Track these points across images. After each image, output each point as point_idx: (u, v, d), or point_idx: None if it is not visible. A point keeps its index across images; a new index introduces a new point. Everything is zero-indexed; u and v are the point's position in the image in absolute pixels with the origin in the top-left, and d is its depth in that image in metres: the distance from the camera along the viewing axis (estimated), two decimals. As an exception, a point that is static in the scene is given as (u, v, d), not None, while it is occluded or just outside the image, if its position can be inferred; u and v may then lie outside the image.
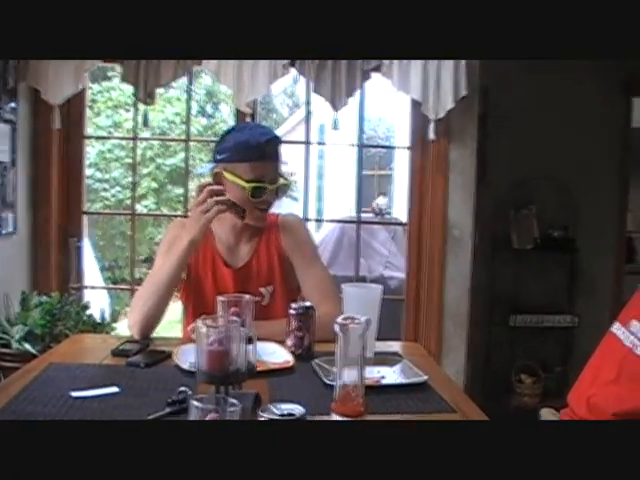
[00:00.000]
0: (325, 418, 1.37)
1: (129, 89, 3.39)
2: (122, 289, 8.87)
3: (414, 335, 3.61)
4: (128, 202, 10.70)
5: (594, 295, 4.59)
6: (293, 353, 1.98)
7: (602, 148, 4.59)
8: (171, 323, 2.38)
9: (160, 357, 1.93)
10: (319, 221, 9.96)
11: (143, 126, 3.64)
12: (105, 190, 11.74)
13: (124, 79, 3.35)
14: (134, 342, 2.08)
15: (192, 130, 10.89)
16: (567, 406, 2.08)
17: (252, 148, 2.23)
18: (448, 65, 3.32)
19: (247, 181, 2.23)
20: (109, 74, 10.16)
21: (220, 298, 1.67)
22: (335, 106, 3.37)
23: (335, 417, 1.32)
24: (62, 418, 1.43)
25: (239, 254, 2.40)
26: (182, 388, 1.52)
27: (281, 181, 2.33)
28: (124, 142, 11.30)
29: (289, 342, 2.03)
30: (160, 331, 2.22)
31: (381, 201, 8.79)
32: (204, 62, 3.36)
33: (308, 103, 3.78)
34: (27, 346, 2.97)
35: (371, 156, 13.94)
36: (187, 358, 1.81)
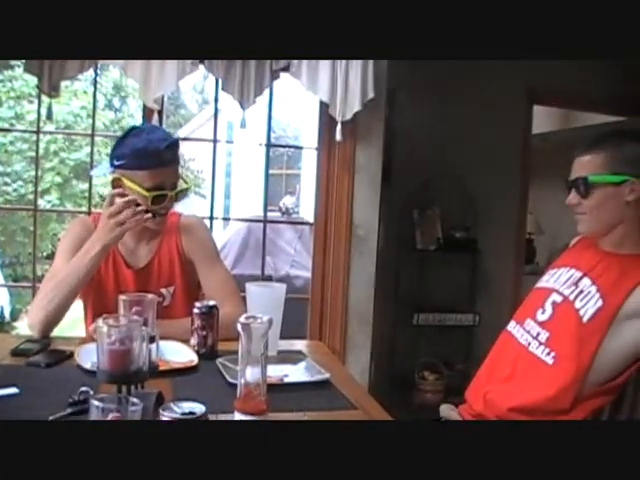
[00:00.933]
0: (228, 416, 1.38)
1: (33, 79, 3.29)
2: (23, 287, 8.64)
3: (319, 334, 3.63)
4: (30, 197, 10.44)
5: (494, 295, 4.73)
6: (197, 352, 1.98)
7: (504, 151, 4.73)
8: (74, 322, 2.34)
9: (61, 357, 1.90)
10: (226, 219, 9.91)
11: (47, 119, 3.54)
12: (6, 184, 11.41)
13: (27, 69, 3.26)
14: (34, 341, 2.04)
15: (98, 124, 10.70)
16: (465, 402, 2.14)
17: (150, 155, 2.18)
18: (356, 67, 3.36)
19: (147, 189, 2.19)
20: (12, 63, 9.87)
21: (122, 297, 1.66)
22: (243, 105, 3.37)
23: (238, 415, 1.33)
24: (-43, 419, 1.40)
25: (140, 255, 2.39)
26: (83, 388, 1.51)
27: (182, 185, 2.31)
28: (27, 135, 11.01)
29: (193, 341, 2.03)
30: (63, 330, 2.18)
31: (288, 200, 8.83)
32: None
33: (216, 101, 3.76)
34: None
35: (279, 155, 13.98)
36: (89, 358, 1.78)
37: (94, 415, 1.08)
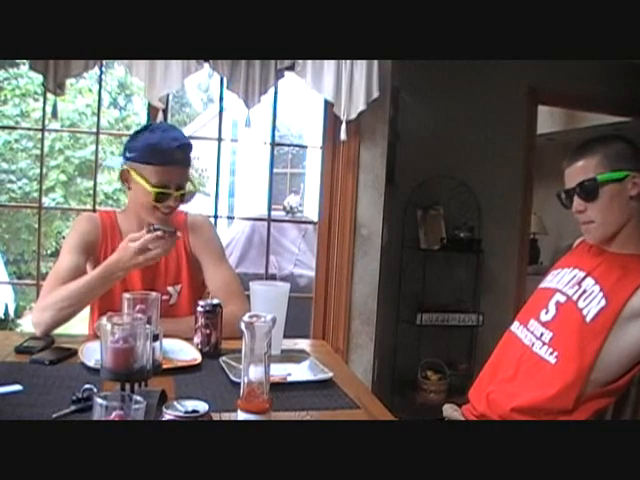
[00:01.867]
0: (231, 415, 1.38)
1: (38, 77, 3.30)
2: (27, 284, 8.65)
3: (322, 333, 3.64)
4: (35, 194, 10.45)
5: (498, 295, 4.73)
6: (200, 350, 1.99)
7: (508, 152, 4.73)
8: (79, 319, 2.35)
9: (65, 354, 1.90)
10: (230, 218, 9.91)
11: (52, 117, 3.55)
12: (11, 182, 11.43)
13: (33, 68, 3.27)
14: (38, 339, 2.04)
15: (103, 122, 10.71)
16: (468, 402, 2.14)
17: (161, 152, 2.20)
18: (361, 67, 3.36)
19: (152, 185, 2.21)
20: (17, 61, 9.87)
21: (126, 295, 1.66)
22: (248, 104, 3.37)
23: (241, 414, 1.33)
24: (-39, 416, 1.40)
25: None
26: (87, 386, 1.51)
27: (189, 187, 2.32)
28: (32, 132, 11.02)
29: (196, 339, 2.03)
30: (67, 327, 2.18)
31: (292, 199, 8.82)
32: (116, 55, 3.31)
33: (221, 99, 3.76)
34: None
35: (284, 154, 13.98)
36: (92, 355, 1.79)
37: (97, 413, 1.09)
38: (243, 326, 1.30)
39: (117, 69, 13.98)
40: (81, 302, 2.13)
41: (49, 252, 11.10)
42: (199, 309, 2.03)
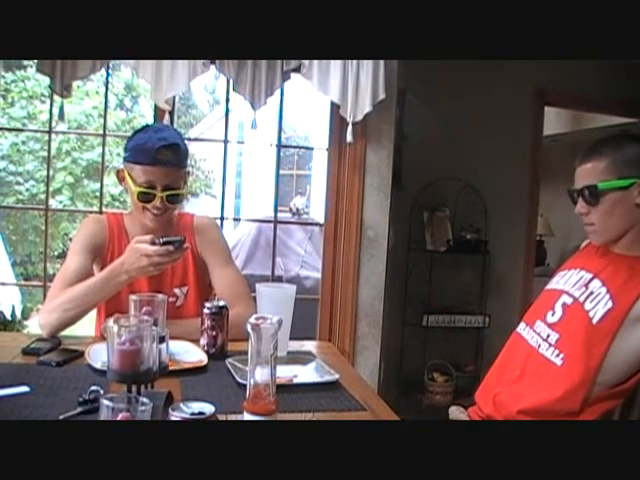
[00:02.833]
0: (237, 417, 1.38)
1: (45, 79, 3.31)
2: (34, 286, 8.68)
3: (329, 334, 3.64)
4: (42, 196, 10.48)
5: (504, 296, 4.73)
6: (206, 352, 1.99)
7: (515, 153, 4.73)
8: (85, 321, 2.35)
9: (72, 356, 1.91)
10: (236, 220, 9.92)
11: (59, 119, 3.56)
12: (18, 184, 11.46)
13: (40, 70, 3.28)
14: (45, 340, 2.05)
15: (110, 124, 10.73)
16: (475, 404, 2.14)
17: (147, 151, 2.20)
18: (367, 68, 3.36)
19: (138, 184, 2.22)
20: (24, 63, 9.90)
21: (132, 297, 1.66)
22: (254, 106, 3.37)
23: (247, 416, 1.33)
24: (-31, 418, 1.41)
25: None
26: (94, 387, 1.51)
27: (175, 190, 2.28)
28: (39, 134, 11.05)
29: (202, 341, 2.04)
30: (74, 328, 2.19)
31: (298, 201, 8.83)
32: (122, 57, 3.31)
33: (227, 101, 3.77)
34: None
35: (290, 155, 13.98)
36: (99, 357, 1.79)
37: (104, 414, 1.09)
38: (249, 328, 1.30)
39: (124, 71, 14.03)
40: (86, 304, 2.13)
41: (56, 254, 11.12)
42: (205, 311, 2.04)
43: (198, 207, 13.91)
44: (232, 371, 1.80)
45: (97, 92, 12.08)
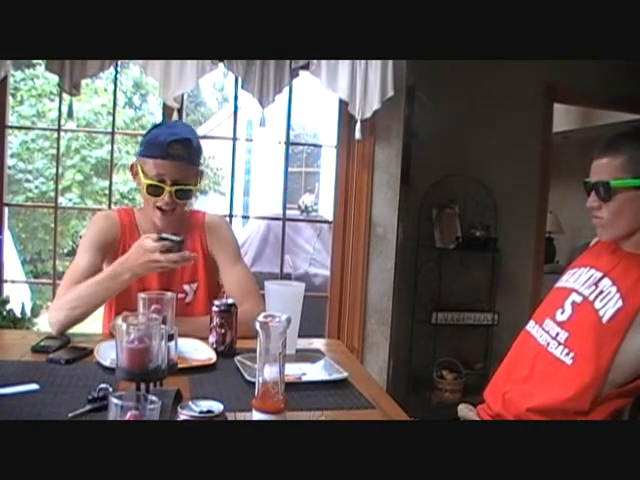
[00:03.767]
0: (246, 415, 1.38)
1: (54, 78, 3.32)
2: (44, 283, 8.70)
3: (337, 332, 3.64)
4: (52, 194, 10.51)
5: (514, 294, 4.72)
6: (215, 350, 1.99)
7: (524, 150, 4.71)
8: (94, 318, 2.36)
9: (81, 354, 1.91)
10: (245, 217, 9.93)
11: (67, 117, 3.57)
12: (28, 181, 11.49)
13: (49, 68, 3.28)
14: (55, 338, 2.05)
15: (119, 122, 10.75)
16: (484, 402, 2.13)
17: (157, 145, 2.22)
18: (375, 66, 3.36)
19: (148, 178, 2.24)
20: (33, 62, 9.92)
21: (141, 295, 1.67)
22: (262, 103, 3.38)
23: (256, 414, 1.33)
24: (-22, 415, 1.41)
25: None
26: (103, 385, 1.51)
27: (185, 186, 2.28)
28: (48, 132, 11.08)
29: (211, 339, 2.04)
30: (83, 326, 2.20)
31: (307, 198, 8.83)
32: (131, 55, 3.32)
33: (236, 99, 3.77)
34: (-57, 341, 2.89)
35: (299, 153, 13.98)
36: (108, 355, 1.80)
37: (113, 412, 1.09)
38: (258, 326, 1.29)
39: (132, 69, 14.05)
40: (93, 302, 2.14)
41: (65, 251, 11.14)
42: (214, 309, 2.04)
43: (207, 204, 13.93)
44: (241, 369, 1.80)
45: (106, 90, 12.09)
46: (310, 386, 1.76)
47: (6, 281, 3.70)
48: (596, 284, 1.93)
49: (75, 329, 2.17)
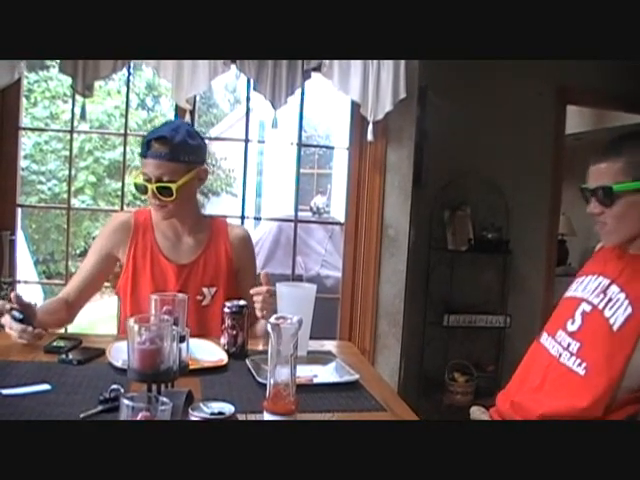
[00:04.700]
0: (257, 416, 1.38)
1: (67, 79, 3.33)
2: (56, 284, 8.72)
3: (349, 334, 3.63)
4: (64, 195, 10.55)
5: (526, 296, 4.69)
6: (227, 351, 1.99)
7: (536, 152, 4.69)
8: (109, 318, 2.38)
9: (93, 354, 1.92)
10: (257, 219, 9.94)
11: (80, 119, 3.58)
12: (41, 183, 11.53)
13: (62, 70, 3.30)
14: (67, 339, 2.06)
15: (131, 124, 10.78)
16: (495, 405, 2.12)
17: (142, 145, 2.29)
18: (388, 67, 3.35)
19: (137, 176, 2.30)
20: (47, 63, 9.94)
21: (153, 296, 1.68)
22: (275, 105, 3.38)
23: (267, 415, 1.33)
24: (-9, 416, 1.42)
25: (182, 250, 2.43)
26: (114, 386, 1.52)
27: (165, 183, 2.27)
28: (61, 134, 11.12)
29: (223, 340, 2.04)
30: (97, 324, 2.21)
31: (319, 200, 8.82)
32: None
33: (248, 100, 3.77)
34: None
35: (311, 154, 13.98)
36: (120, 356, 1.80)
37: (124, 413, 1.09)
38: (270, 327, 1.30)
39: (145, 71, 14.05)
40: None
41: (78, 252, 11.18)
42: (226, 310, 2.04)
43: (219, 206, 13.95)
44: (252, 371, 1.80)
45: (119, 92, 12.11)
46: (321, 388, 1.76)
47: (19, 282, 3.71)
48: (605, 292, 1.90)
49: (88, 329, 2.18)
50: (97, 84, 3.42)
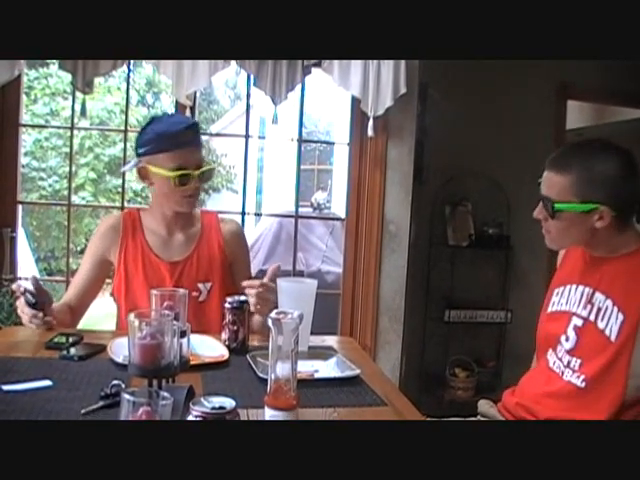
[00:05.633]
0: (258, 411, 1.39)
1: (67, 76, 3.34)
2: (57, 281, 8.73)
3: (350, 329, 3.64)
4: (65, 192, 10.54)
5: (527, 291, 4.69)
6: (228, 347, 1.99)
7: (537, 147, 4.66)
8: (107, 316, 2.38)
9: (94, 350, 1.92)
10: (258, 215, 9.94)
11: (81, 115, 3.58)
12: (42, 179, 11.52)
13: (62, 67, 3.30)
14: (68, 335, 2.06)
15: (132, 120, 10.77)
16: (500, 400, 2.12)
17: (171, 137, 2.25)
18: (388, 63, 3.35)
19: (171, 170, 2.25)
20: (47, 60, 9.93)
21: (153, 292, 1.67)
22: (275, 101, 3.38)
23: (268, 410, 1.33)
24: (-8, 412, 1.42)
25: (174, 247, 2.42)
26: (115, 381, 1.52)
27: (205, 166, 2.35)
28: (61, 131, 11.11)
29: (224, 336, 2.04)
30: (95, 323, 2.21)
31: (320, 196, 8.81)
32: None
33: (249, 97, 3.77)
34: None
35: (311, 150, 13.97)
36: (121, 351, 1.80)
37: (125, 409, 1.09)
38: (270, 323, 1.30)
39: (145, 67, 14.04)
40: None
41: (79, 249, 11.15)
42: (227, 305, 2.04)
43: (220, 202, 13.94)
44: (253, 366, 1.80)
45: (119, 88, 12.09)
46: (322, 383, 1.75)
47: (20, 279, 3.72)
48: (591, 301, 1.87)
49: (89, 326, 2.18)
50: (97, 81, 3.43)
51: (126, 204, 3.94)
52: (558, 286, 2.06)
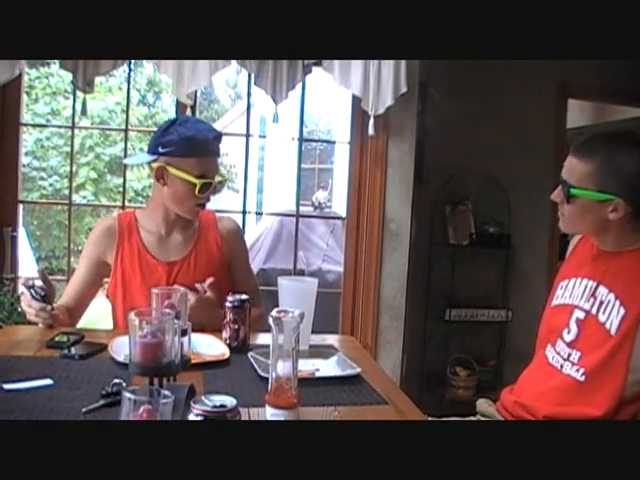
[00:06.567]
0: (259, 410, 1.39)
1: (68, 76, 3.34)
2: (58, 280, 8.73)
3: (351, 328, 3.64)
4: (66, 191, 10.54)
5: (528, 290, 4.69)
6: (229, 345, 1.99)
7: (538, 146, 4.69)
8: (105, 315, 2.39)
9: (95, 349, 1.92)
10: (259, 214, 9.94)
11: (81, 115, 3.59)
12: (42, 179, 11.53)
13: (63, 66, 3.30)
14: (69, 334, 2.06)
15: (132, 119, 10.77)
16: (499, 399, 2.12)
17: (200, 143, 2.25)
18: (389, 62, 3.35)
19: (196, 176, 2.25)
20: (48, 60, 9.91)
21: (154, 290, 1.67)
22: (276, 100, 3.38)
23: (269, 409, 1.33)
24: (-7, 410, 1.42)
25: (170, 247, 2.42)
26: (116, 380, 1.52)
27: (220, 177, 2.37)
28: (62, 130, 11.12)
29: (225, 334, 2.04)
30: (94, 323, 2.21)
31: (321, 195, 8.80)
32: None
33: (249, 95, 3.77)
34: (-41, 337, 2.90)
35: (312, 149, 13.96)
36: (122, 350, 1.80)
37: (126, 407, 1.09)
38: (271, 321, 1.30)
39: (146, 67, 14.05)
40: None
41: (80, 248, 11.16)
42: (228, 304, 2.04)
43: (220, 201, 13.89)
44: (254, 364, 1.80)
45: (120, 88, 12.10)
46: (323, 382, 1.75)
47: (21, 278, 3.72)
48: (594, 295, 1.87)
49: (90, 325, 2.18)
50: (98, 80, 3.43)
51: (127, 203, 3.95)
52: (563, 279, 2.07)
